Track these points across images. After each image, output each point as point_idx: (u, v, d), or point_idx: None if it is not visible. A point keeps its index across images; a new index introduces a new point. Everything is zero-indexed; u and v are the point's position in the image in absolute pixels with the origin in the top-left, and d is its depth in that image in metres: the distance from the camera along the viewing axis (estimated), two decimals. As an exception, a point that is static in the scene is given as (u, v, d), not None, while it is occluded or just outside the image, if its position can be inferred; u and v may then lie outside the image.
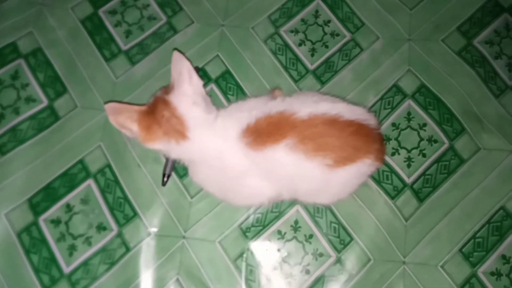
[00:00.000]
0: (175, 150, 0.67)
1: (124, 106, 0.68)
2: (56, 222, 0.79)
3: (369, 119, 0.67)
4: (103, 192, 0.81)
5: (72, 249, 0.77)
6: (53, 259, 0.77)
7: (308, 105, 0.65)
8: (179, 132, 0.66)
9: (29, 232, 0.78)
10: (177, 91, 0.67)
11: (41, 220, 0.79)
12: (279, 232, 0.79)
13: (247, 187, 0.69)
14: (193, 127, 0.66)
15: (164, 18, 0.94)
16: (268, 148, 0.63)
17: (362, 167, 0.66)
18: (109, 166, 0.82)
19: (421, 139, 0.85)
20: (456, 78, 0.89)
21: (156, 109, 0.67)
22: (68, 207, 0.80)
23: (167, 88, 0.69)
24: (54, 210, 0.79)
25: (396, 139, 0.85)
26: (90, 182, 0.81)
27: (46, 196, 0.80)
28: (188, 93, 0.67)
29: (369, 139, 0.66)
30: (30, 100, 0.87)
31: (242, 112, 0.67)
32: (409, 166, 0.84)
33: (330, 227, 0.80)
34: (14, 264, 0.76)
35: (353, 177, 0.68)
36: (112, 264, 0.76)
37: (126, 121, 0.68)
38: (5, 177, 0.81)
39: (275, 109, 0.65)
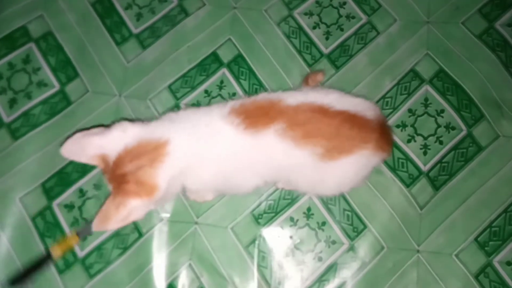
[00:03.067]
0: (173, 169, 0.61)
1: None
2: (69, 206, 0.79)
3: (367, 109, 0.64)
4: (115, 177, 0.81)
5: (85, 233, 0.78)
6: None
7: (297, 95, 0.63)
8: (155, 155, 0.59)
9: (43, 217, 0.78)
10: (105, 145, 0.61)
11: (55, 204, 0.79)
12: (292, 219, 0.79)
13: (243, 171, 0.66)
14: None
15: (175, 1, 0.92)
16: (259, 130, 0.60)
17: (360, 159, 0.63)
18: (121, 151, 0.82)
19: (438, 126, 0.83)
20: (476, 63, 0.86)
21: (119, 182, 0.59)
22: (81, 192, 0.80)
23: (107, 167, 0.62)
24: (68, 195, 0.80)
25: (412, 125, 0.83)
26: (103, 167, 0.81)
27: (59, 181, 0.80)
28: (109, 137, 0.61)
29: (364, 128, 0.63)
30: (42, 84, 0.86)
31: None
32: (425, 153, 0.82)
33: (343, 215, 0.79)
34: (29, 247, 0.77)
35: (352, 168, 0.65)
36: (125, 249, 0.77)
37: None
38: (18, 161, 0.81)
39: (261, 97, 0.63)
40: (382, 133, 0.64)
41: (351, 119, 0.62)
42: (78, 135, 0.61)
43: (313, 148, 0.60)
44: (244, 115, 0.61)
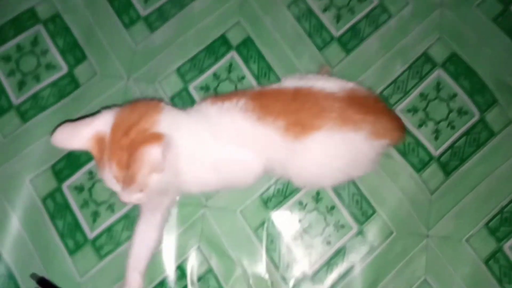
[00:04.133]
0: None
1: None
2: (79, 188, 0.80)
3: (362, 90, 0.66)
4: (124, 160, 0.81)
5: (95, 215, 0.78)
6: (77, 225, 0.78)
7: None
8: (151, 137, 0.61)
9: (53, 198, 0.79)
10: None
11: (65, 186, 0.80)
12: (300, 203, 0.79)
13: (239, 162, 0.68)
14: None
15: (183, -18, 0.91)
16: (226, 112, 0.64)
17: (355, 139, 0.63)
18: (130, 134, 0.82)
19: (450, 111, 0.82)
20: (491, 47, 0.85)
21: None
22: (91, 174, 0.80)
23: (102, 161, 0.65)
24: (77, 177, 0.80)
25: (423, 110, 0.82)
26: (112, 150, 0.81)
27: (69, 163, 0.81)
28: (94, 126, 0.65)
29: (324, 99, 0.63)
30: (50, 66, 0.86)
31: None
32: (436, 138, 0.81)
33: (353, 199, 0.78)
34: (40, 229, 0.77)
35: (326, 147, 0.64)
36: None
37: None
38: (28, 143, 0.82)
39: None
40: (349, 102, 0.64)
41: (304, 93, 0.64)
42: (66, 124, 0.64)
43: (273, 121, 0.62)
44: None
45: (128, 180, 0.60)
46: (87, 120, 0.65)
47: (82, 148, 0.65)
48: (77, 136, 0.64)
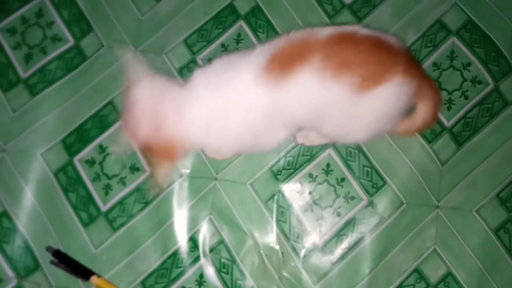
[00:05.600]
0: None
1: None
2: (90, 162, 0.80)
3: (388, 37, 0.64)
4: (134, 133, 0.81)
5: (107, 188, 0.79)
6: (90, 198, 0.79)
7: (325, 29, 0.63)
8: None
9: (65, 172, 0.80)
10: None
11: (76, 160, 0.80)
12: (311, 175, 0.79)
13: (273, 125, 0.67)
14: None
15: None
16: (294, 73, 0.60)
17: (393, 88, 0.61)
18: (139, 107, 0.81)
19: (464, 80, 0.80)
20: (507, 12, 0.82)
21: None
22: (101, 148, 0.80)
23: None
24: (88, 151, 0.80)
25: (437, 80, 0.80)
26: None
27: (79, 137, 0.81)
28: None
29: (392, 52, 0.62)
30: (56, 39, 0.85)
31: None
32: (449, 108, 0.79)
33: (363, 171, 0.78)
34: (54, 202, 0.78)
35: (385, 101, 0.62)
36: (147, 203, 0.78)
37: None
38: (38, 118, 0.82)
39: (292, 36, 0.63)
40: (409, 58, 0.64)
41: (378, 44, 0.62)
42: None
43: (350, 78, 0.59)
44: (278, 62, 0.61)
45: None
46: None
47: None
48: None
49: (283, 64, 0.60)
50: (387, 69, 0.60)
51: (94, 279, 0.73)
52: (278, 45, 0.63)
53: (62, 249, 0.76)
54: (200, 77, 0.66)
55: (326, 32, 0.62)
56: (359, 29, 0.63)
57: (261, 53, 0.63)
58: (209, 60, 0.83)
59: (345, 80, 0.59)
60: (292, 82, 0.60)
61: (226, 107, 0.63)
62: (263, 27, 0.84)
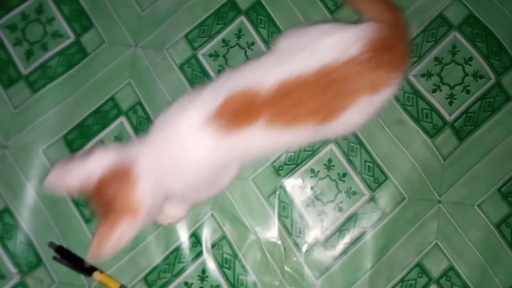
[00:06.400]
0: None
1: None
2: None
3: (362, 39, 0.60)
4: (136, 129, 0.81)
5: (109, 185, 0.79)
6: (91, 194, 0.79)
7: (271, 71, 0.59)
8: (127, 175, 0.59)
9: (67, 168, 0.80)
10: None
11: (77, 156, 0.80)
12: (312, 170, 0.79)
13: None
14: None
15: None
16: (241, 131, 0.58)
17: (361, 106, 0.61)
18: (140, 103, 0.81)
19: (466, 75, 0.80)
20: (509, 6, 0.82)
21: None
22: (103, 144, 0.80)
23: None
24: (89, 147, 0.80)
25: (438, 74, 0.80)
26: (122, 119, 0.81)
27: (81, 133, 0.81)
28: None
29: (348, 74, 0.58)
30: (57, 35, 0.84)
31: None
32: (451, 103, 0.79)
33: (365, 166, 0.78)
34: (56, 198, 0.78)
35: (358, 117, 0.63)
36: (148, 199, 0.78)
37: None
38: (39, 114, 0.81)
39: (234, 94, 0.59)
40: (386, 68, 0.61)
41: (328, 74, 0.58)
42: (59, 165, 0.61)
43: (305, 126, 0.59)
44: (225, 114, 0.58)
45: (96, 244, 0.58)
46: (80, 160, 0.62)
47: (74, 192, 0.62)
48: (68, 182, 0.61)
49: (229, 120, 0.58)
50: (348, 95, 0.59)
51: (96, 275, 0.73)
52: (225, 93, 0.59)
53: (65, 245, 0.76)
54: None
55: (268, 84, 0.58)
56: (306, 63, 0.59)
57: (209, 97, 0.60)
58: (210, 56, 0.83)
59: (300, 128, 0.59)
60: (240, 138, 0.59)
61: (176, 158, 0.61)
62: (264, 22, 0.84)
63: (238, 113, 0.58)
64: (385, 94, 0.63)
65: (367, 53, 0.59)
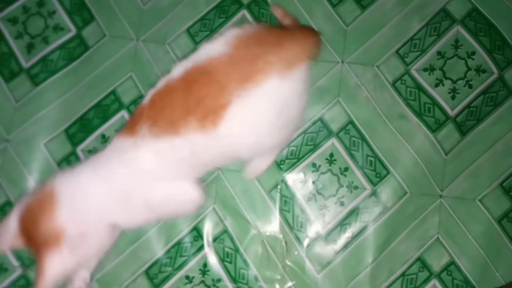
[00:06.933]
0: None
1: None
2: (93, 152, 0.80)
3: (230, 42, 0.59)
4: (137, 123, 0.81)
5: (110, 178, 0.79)
6: (93, 188, 0.79)
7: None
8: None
9: (69, 162, 0.80)
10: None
11: (79, 150, 0.80)
12: (314, 164, 0.79)
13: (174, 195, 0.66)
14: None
15: None
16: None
17: (274, 85, 0.57)
18: (141, 97, 0.81)
19: (469, 69, 0.80)
20: (513, 0, 0.81)
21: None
22: (104, 138, 0.80)
23: None
24: (91, 141, 0.80)
25: (441, 69, 0.80)
26: (124, 113, 0.81)
27: (82, 127, 0.81)
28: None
29: (220, 73, 0.57)
30: (58, 28, 0.84)
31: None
32: (453, 98, 0.79)
33: (366, 160, 0.78)
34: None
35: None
36: (150, 193, 0.78)
37: None
38: (40, 108, 0.81)
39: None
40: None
41: (198, 77, 0.58)
42: None
43: (186, 128, 0.57)
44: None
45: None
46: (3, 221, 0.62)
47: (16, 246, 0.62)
48: (6, 238, 0.61)
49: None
50: (219, 91, 0.56)
51: None
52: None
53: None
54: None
55: (150, 93, 0.61)
56: (179, 69, 0.60)
57: None
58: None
59: (185, 131, 0.57)
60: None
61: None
62: (266, 16, 0.83)
63: (130, 126, 0.62)
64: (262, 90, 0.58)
65: (236, 49, 0.58)
